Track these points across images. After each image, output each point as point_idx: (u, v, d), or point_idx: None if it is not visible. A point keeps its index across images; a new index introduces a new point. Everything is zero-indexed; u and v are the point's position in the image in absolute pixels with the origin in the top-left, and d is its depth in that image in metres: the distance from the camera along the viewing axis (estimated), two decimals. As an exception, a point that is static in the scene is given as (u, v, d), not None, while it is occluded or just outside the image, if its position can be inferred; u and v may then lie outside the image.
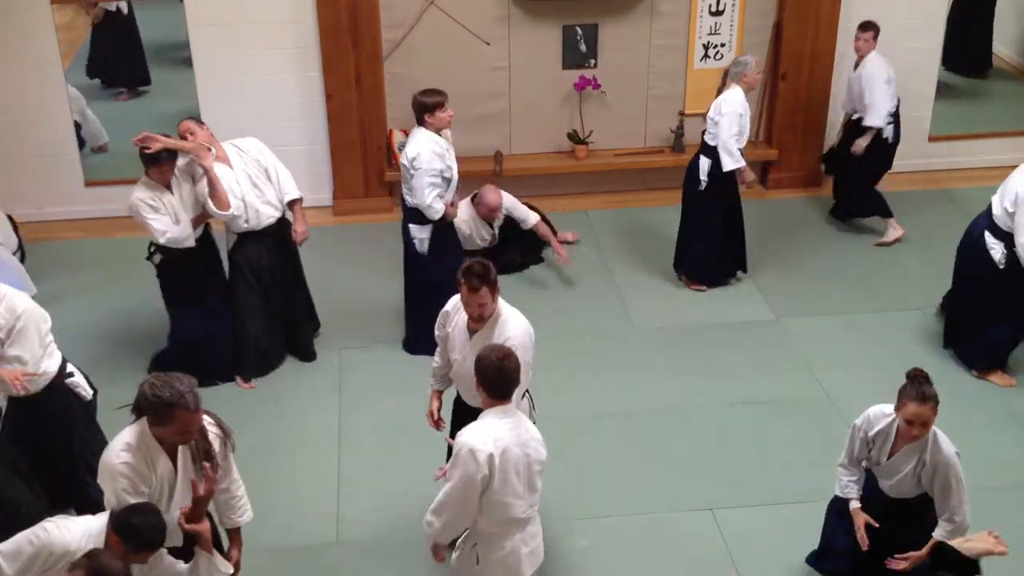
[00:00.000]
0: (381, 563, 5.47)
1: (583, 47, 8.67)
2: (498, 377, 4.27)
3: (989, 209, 6.64)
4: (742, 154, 7.32)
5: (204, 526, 4.25)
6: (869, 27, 7.95)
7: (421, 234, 6.73)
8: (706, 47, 8.78)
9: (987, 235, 6.57)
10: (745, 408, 6.57)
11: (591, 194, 9.03)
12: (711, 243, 7.60)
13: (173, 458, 4.25)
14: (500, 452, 4.22)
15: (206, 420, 4.32)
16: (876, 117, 7.94)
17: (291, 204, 6.77)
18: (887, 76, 7.91)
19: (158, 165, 6.27)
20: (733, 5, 8.66)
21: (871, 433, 4.80)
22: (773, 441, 6.30)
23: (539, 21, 8.57)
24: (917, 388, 4.57)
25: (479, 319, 4.84)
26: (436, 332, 5.18)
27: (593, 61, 8.72)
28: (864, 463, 4.90)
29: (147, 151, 6.24)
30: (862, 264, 8.08)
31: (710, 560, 5.50)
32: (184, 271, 6.56)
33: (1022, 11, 9.65)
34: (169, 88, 8.65)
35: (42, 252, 8.22)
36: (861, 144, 8.00)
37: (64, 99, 8.38)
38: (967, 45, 9.56)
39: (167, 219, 6.30)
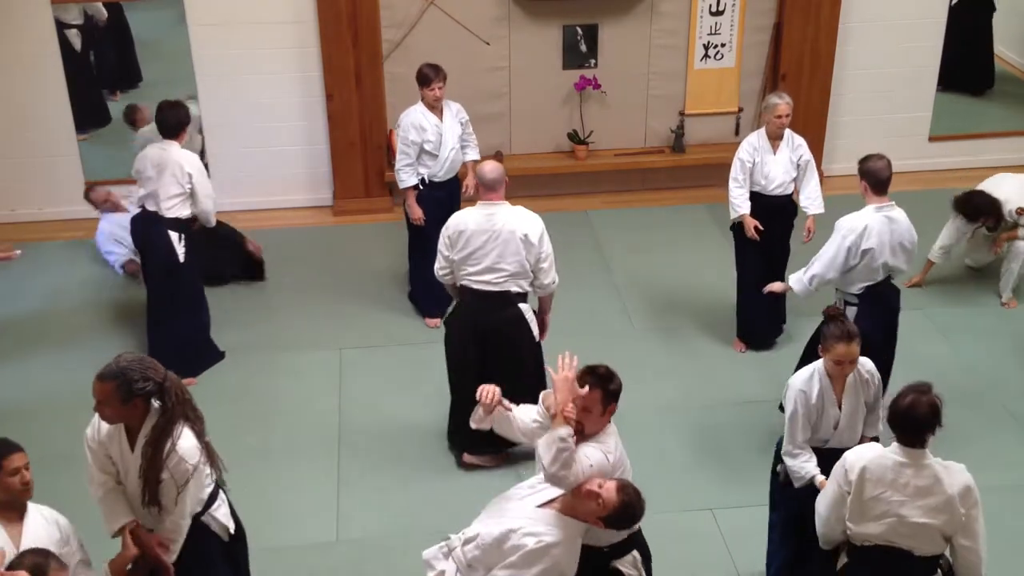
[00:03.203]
0: (381, 563, 5.47)
1: (583, 47, 8.67)
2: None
3: None
4: (757, 201, 6.73)
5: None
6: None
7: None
8: (706, 47, 8.78)
9: None
10: (745, 408, 6.57)
11: (591, 194, 9.04)
12: (742, 294, 7.03)
13: (132, 441, 4.18)
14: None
15: (191, 442, 4.15)
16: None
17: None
18: None
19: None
20: (733, 5, 8.66)
21: (812, 401, 4.64)
22: (773, 441, 6.24)
23: (539, 21, 8.57)
24: (841, 328, 4.53)
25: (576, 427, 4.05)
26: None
27: (593, 61, 8.72)
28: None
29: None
30: (862, 264, 8.07)
31: (710, 560, 5.50)
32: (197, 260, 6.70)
33: (1023, 10, 9.65)
34: (165, 87, 8.62)
35: (42, 252, 8.22)
36: None
37: (64, 99, 8.38)
38: (968, 63, 9.53)
39: None
